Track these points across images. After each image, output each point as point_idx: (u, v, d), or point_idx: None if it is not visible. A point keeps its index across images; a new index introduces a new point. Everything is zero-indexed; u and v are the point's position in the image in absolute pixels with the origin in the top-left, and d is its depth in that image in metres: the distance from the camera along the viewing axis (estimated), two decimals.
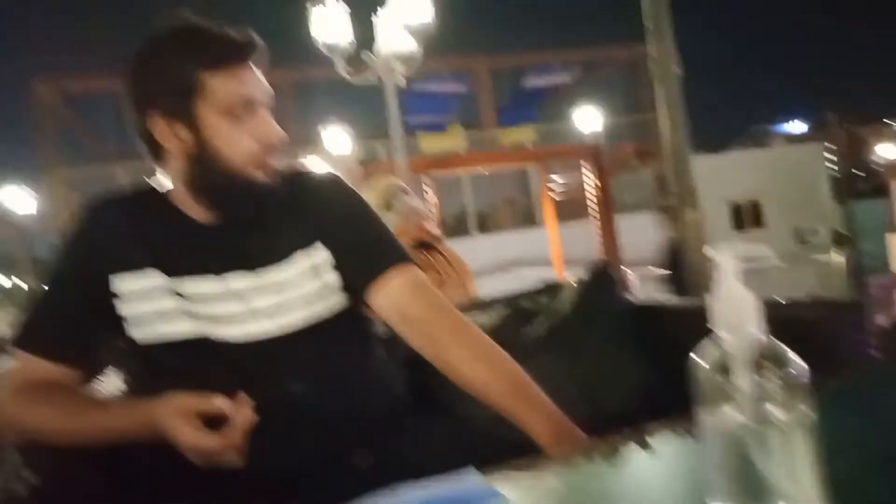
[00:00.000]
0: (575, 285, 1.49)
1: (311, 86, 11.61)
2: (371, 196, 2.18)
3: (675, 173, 2.54)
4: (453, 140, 13.84)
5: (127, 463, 0.96)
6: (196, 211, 1.03)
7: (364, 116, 10.96)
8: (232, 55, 0.97)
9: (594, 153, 7.17)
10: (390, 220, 2.09)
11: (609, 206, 7.11)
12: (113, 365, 1.17)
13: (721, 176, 7.31)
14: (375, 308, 1.06)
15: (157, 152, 1.01)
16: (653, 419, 1.22)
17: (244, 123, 0.97)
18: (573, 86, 15.49)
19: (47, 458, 0.92)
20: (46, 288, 1.04)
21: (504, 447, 0.86)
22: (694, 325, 0.48)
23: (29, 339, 1.01)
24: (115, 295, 1.00)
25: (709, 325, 0.46)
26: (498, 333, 1.24)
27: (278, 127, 1.02)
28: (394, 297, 1.04)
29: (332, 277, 1.06)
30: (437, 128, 13.89)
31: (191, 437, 0.85)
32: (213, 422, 0.87)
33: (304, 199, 1.08)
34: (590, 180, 7.05)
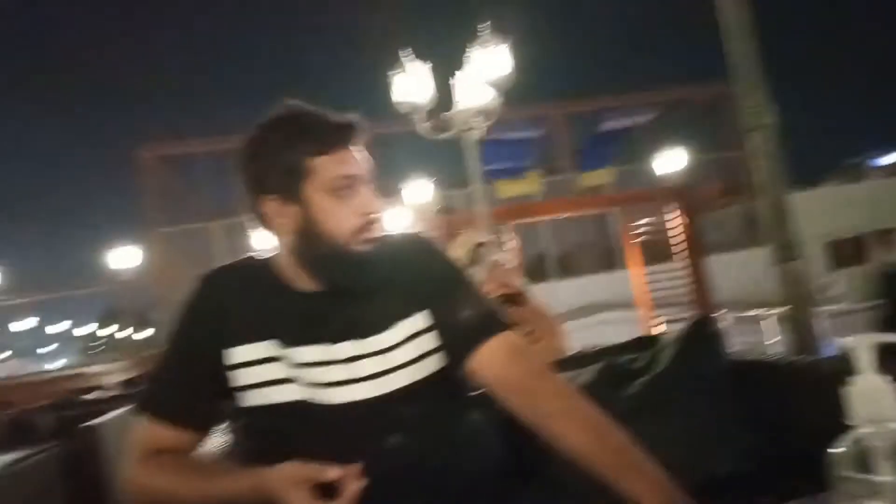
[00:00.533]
0: (672, 340, 1.45)
1: (391, 138, 11.99)
2: (458, 252, 2.21)
3: (776, 224, 2.45)
4: (531, 186, 13.86)
5: None
6: (303, 281, 1.08)
7: (443, 166, 11.20)
8: (334, 140, 1.04)
9: (681, 194, 7.01)
10: (478, 275, 2.11)
11: (698, 247, 6.89)
12: (221, 427, 1.23)
13: (817, 212, 6.99)
14: (475, 374, 1.08)
15: (269, 228, 1.08)
16: (761, 487, 1.16)
17: (347, 200, 1.03)
18: (652, 126, 15.29)
19: None
20: (167, 357, 1.11)
21: None
22: (803, 383, 0.46)
23: (154, 405, 1.08)
24: (228, 364, 1.06)
25: (818, 385, 0.44)
26: (592, 393, 1.22)
27: (377, 201, 1.07)
28: (494, 365, 1.06)
29: (432, 343, 1.09)
30: (515, 173, 13.94)
31: None
32: (325, 488, 0.89)
33: (405, 267, 1.11)
34: (674, 222, 6.88)
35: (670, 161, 12.93)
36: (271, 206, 1.05)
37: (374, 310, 1.08)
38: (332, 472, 0.90)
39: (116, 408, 3.50)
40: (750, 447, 1.25)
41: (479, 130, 4.44)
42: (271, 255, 1.12)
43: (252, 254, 1.15)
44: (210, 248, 15.92)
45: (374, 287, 1.08)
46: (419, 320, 1.09)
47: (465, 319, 1.10)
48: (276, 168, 1.04)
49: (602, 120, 15.14)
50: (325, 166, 1.03)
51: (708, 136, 15.42)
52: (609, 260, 14.01)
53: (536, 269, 13.23)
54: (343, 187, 1.03)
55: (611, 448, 0.96)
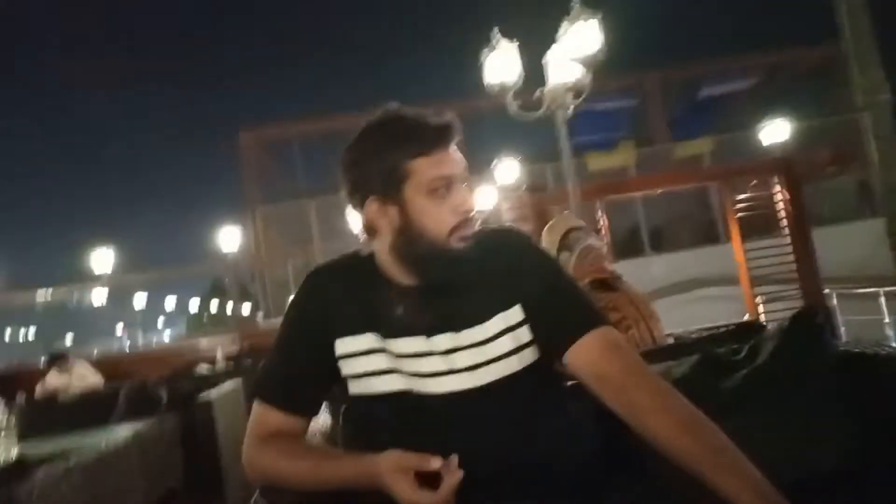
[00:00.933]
0: (775, 332, 1.39)
1: (480, 115, 11.94)
2: (551, 237, 2.20)
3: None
4: (623, 157, 13.47)
5: None
6: (401, 276, 1.13)
7: (533, 140, 11.05)
8: (432, 142, 1.08)
9: (785, 165, 6.60)
10: (570, 261, 2.10)
11: (803, 221, 6.49)
12: (329, 413, 1.31)
13: None
14: (571, 368, 1.10)
15: (370, 227, 1.13)
16: (869, 489, 1.11)
17: (444, 200, 1.08)
18: (754, 92, 14.44)
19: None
20: (279, 348, 1.19)
21: None
22: None
23: (268, 392, 1.16)
24: (336, 355, 1.13)
25: None
26: (690, 385, 1.20)
27: (472, 199, 1.11)
28: (590, 360, 1.07)
29: (528, 337, 1.12)
30: (607, 145, 13.57)
31: (408, 493, 0.93)
32: (427, 477, 0.94)
33: (500, 261, 1.14)
34: (778, 194, 6.50)
35: (774, 129, 12.14)
36: (372, 206, 1.10)
37: (470, 303, 1.11)
38: (433, 463, 0.95)
39: (224, 381, 3.75)
40: (857, 445, 1.20)
41: (569, 107, 4.36)
42: (372, 251, 1.17)
43: (356, 249, 1.21)
44: (306, 225, 16.53)
45: (470, 281, 1.11)
46: (515, 314, 1.12)
47: (561, 313, 1.12)
48: (376, 171, 1.09)
49: (700, 87, 14.45)
50: (424, 168, 1.07)
51: (815, 101, 14.40)
52: (707, 234, 13.44)
53: (629, 244, 12.88)
54: (440, 188, 1.07)
55: (706, 447, 0.95)
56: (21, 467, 1.74)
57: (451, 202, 1.08)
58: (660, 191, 8.17)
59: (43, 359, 6.40)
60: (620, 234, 12.45)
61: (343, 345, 1.13)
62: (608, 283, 2.05)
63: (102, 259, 7.45)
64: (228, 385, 3.60)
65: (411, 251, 1.10)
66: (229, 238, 8.56)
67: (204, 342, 7.38)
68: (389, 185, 1.08)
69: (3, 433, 2.57)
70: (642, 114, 15.16)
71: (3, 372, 7.41)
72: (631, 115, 14.63)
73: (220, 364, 6.08)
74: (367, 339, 1.11)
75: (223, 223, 8.58)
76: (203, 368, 5.95)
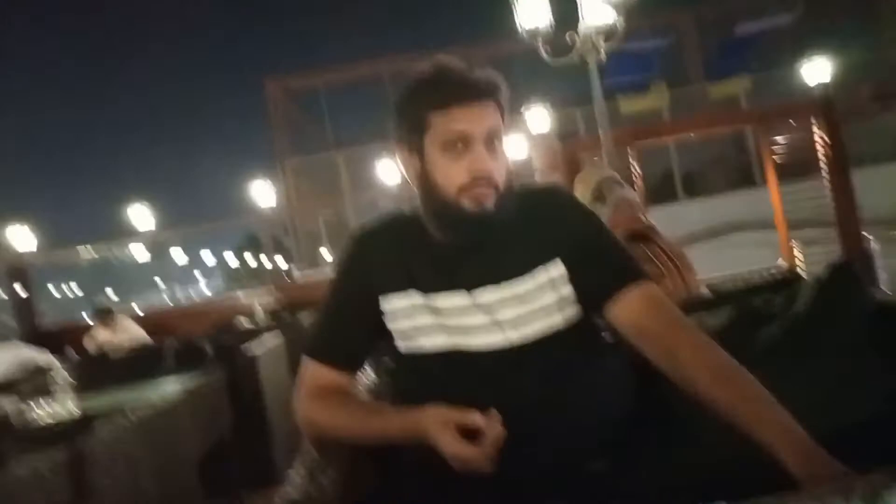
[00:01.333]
0: (811, 283, 1.39)
1: (510, 59, 11.70)
2: (584, 188, 2.20)
3: None
4: (656, 99, 13.12)
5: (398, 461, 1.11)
6: (439, 231, 1.15)
7: (564, 84, 10.82)
8: (454, 97, 1.08)
9: (824, 106, 6.37)
10: (604, 213, 2.10)
11: (842, 163, 6.28)
12: (375, 370, 1.36)
13: None
14: (611, 322, 1.12)
15: (407, 176, 1.17)
16: None
17: (459, 157, 1.09)
18: (793, 28, 13.83)
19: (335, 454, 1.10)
20: (328, 306, 1.23)
21: (745, 472, 0.87)
22: None
23: (317, 349, 1.22)
24: (382, 313, 1.17)
25: None
26: (726, 335, 1.22)
27: (490, 161, 1.10)
28: (631, 313, 1.09)
29: (568, 291, 1.14)
30: (639, 87, 13.21)
31: (451, 446, 0.98)
32: (470, 431, 0.98)
33: (542, 217, 1.16)
34: (817, 135, 6.30)
35: (814, 67, 11.67)
36: (403, 155, 1.15)
37: (510, 257, 1.14)
38: (476, 418, 0.98)
39: (265, 334, 3.87)
40: (894, 396, 1.21)
41: (601, 51, 4.25)
42: (415, 209, 1.20)
43: (399, 208, 1.24)
44: (336, 177, 16.59)
45: (507, 237, 1.13)
46: (556, 268, 1.14)
47: (601, 267, 1.13)
48: (404, 121, 1.13)
49: (736, 24, 13.88)
50: (440, 122, 1.09)
51: (857, 37, 13.75)
52: (742, 177, 13.15)
53: (662, 190, 12.68)
54: (456, 144, 1.09)
55: (743, 397, 0.97)
56: (84, 421, 1.84)
57: (465, 161, 1.09)
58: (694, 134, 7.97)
59: (88, 314, 6.64)
60: (653, 179, 12.24)
61: (387, 302, 1.17)
62: (643, 235, 2.05)
63: (141, 215, 7.63)
64: (270, 338, 3.71)
65: (428, 206, 1.14)
66: (262, 191, 8.65)
67: (242, 296, 7.56)
68: (413, 136, 1.12)
69: (63, 388, 2.71)
70: (676, 54, 14.67)
71: (52, 327, 7.72)
72: (664, 55, 14.15)
73: (260, 317, 6.24)
74: (411, 296, 1.15)
75: (255, 177, 8.66)
76: (243, 322, 6.10)
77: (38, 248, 7.69)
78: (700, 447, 1.04)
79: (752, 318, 1.40)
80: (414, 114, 1.11)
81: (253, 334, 4.20)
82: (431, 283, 1.14)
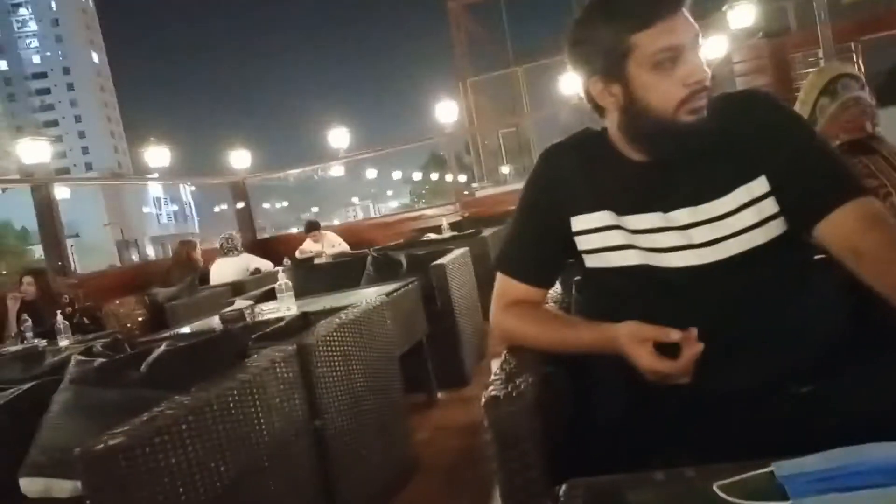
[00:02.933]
0: None
1: None
2: (817, 78, 1.97)
3: None
4: None
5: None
6: (634, 152, 1.13)
7: None
8: (655, 13, 1.03)
9: None
10: (828, 110, 1.90)
11: None
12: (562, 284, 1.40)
13: None
14: (823, 241, 1.05)
15: (597, 106, 1.14)
16: None
17: (671, 72, 1.04)
18: None
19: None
20: (517, 224, 1.27)
21: None
22: None
23: (509, 265, 1.26)
24: (573, 231, 1.18)
25: None
26: None
27: (703, 67, 1.05)
28: (845, 233, 1.01)
29: (773, 209, 1.07)
30: None
31: (648, 360, 0.99)
32: (665, 348, 0.99)
33: (744, 129, 1.09)
34: None
35: None
36: (597, 86, 1.11)
37: (709, 176, 1.09)
38: (674, 334, 0.98)
39: (452, 247, 4.07)
40: None
41: None
42: (604, 127, 1.18)
43: (587, 126, 1.23)
44: (516, 93, 16.43)
45: (708, 153, 1.08)
46: (759, 185, 1.07)
47: (813, 182, 1.05)
48: (598, 50, 1.08)
49: None
50: (646, 42, 1.03)
51: None
52: None
53: (888, 90, 10.96)
54: (666, 60, 1.03)
55: None
56: (306, 319, 2.11)
57: (679, 74, 1.03)
58: None
59: (297, 230, 7.38)
60: (878, 79, 10.61)
61: (578, 222, 1.17)
62: (865, 145, 1.83)
63: (339, 137, 8.20)
64: (458, 252, 3.90)
65: (639, 129, 1.09)
66: (444, 111, 8.85)
67: (428, 211, 7.95)
68: (612, 64, 1.07)
69: (284, 291, 3.11)
70: None
71: (270, 237, 8.73)
72: None
73: (446, 232, 6.53)
74: (602, 216, 1.14)
75: (439, 98, 8.86)
76: (430, 235, 6.45)
77: (255, 170, 8.61)
78: None
79: None
80: (611, 40, 1.06)
81: (440, 246, 4.43)
82: (625, 203, 1.13)
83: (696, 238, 1.08)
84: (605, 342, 1.05)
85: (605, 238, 1.15)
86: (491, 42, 18.00)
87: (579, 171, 1.18)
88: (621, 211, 1.13)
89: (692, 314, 1.01)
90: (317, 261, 6.17)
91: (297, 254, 6.82)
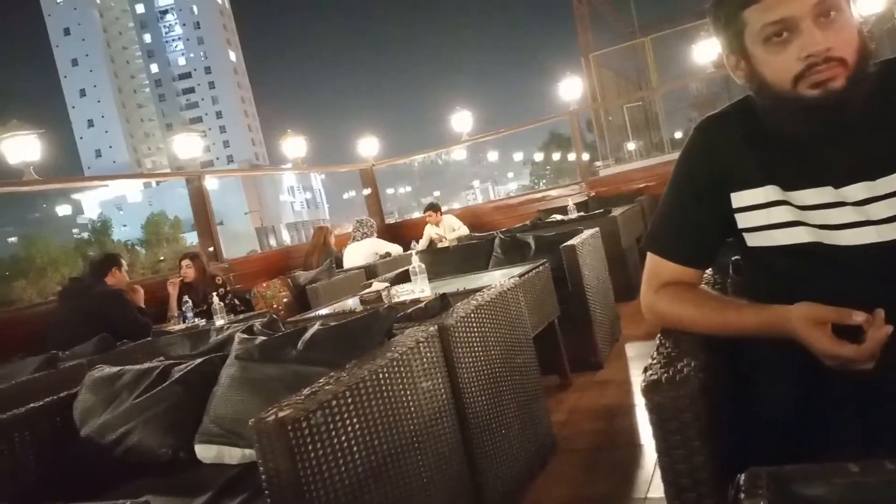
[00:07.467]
0: None
1: None
2: None
3: None
4: None
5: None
6: (794, 125, 1.05)
7: None
8: None
9: None
10: None
11: None
12: (722, 266, 1.33)
13: None
14: None
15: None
16: None
17: (783, 46, 1.00)
18: None
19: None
20: (670, 201, 1.21)
21: None
22: None
23: (661, 245, 1.21)
24: (733, 208, 1.12)
25: None
26: None
27: (825, 37, 0.97)
28: None
29: None
30: None
31: (826, 345, 0.92)
32: (844, 331, 0.92)
33: None
34: None
35: None
36: (730, 60, 1.09)
37: (885, 147, 1.00)
38: (857, 316, 0.91)
39: (580, 228, 3.99)
40: None
41: None
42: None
43: (745, 96, 1.15)
44: (642, 65, 15.77)
45: (874, 125, 1.00)
46: None
47: None
48: (721, 26, 1.08)
49: None
50: (755, 16, 1.01)
51: None
52: None
53: None
54: (775, 34, 0.99)
55: None
56: (444, 301, 2.16)
57: (793, 47, 0.98)
58: None
59: (419, 215, 7.52)
60: None
61: (739, 198, 1.11)
62: None
63: (462, 121, 8.26)
64: (588, 232, 3.82)
65: (765, 105, 1.07)
66: (567, 88, 8.65)
67: (553, 193, 7.84)
68: (733, 40, 1.06)
69: (420, 274, 3.19)
70: None
71: (397, 222, 9.01)
72: None
73: (572, 212, 6.42)
74: (767, 192, 1.07)
75: (563, 74, 8.66)
76: (556, 217, 6.35)
77: (382, 156, 8.87)
78: None
79: None
80: (729, 18, 1.05)
81: (568, 227, 4.36)
82: (792, 177, 1.05)
83: (874, 214, 0.99)
84: (775, 325, 0.99)
85: (769, 215, 1.08)
86: (614, 14, 17.38)
87: (740, 144, 1.11)
88: (789, 185, 1.06)
89: (869, 295, 0.94)
90: (439, 245, 6.28)
91: (423, 239, 6.98)
